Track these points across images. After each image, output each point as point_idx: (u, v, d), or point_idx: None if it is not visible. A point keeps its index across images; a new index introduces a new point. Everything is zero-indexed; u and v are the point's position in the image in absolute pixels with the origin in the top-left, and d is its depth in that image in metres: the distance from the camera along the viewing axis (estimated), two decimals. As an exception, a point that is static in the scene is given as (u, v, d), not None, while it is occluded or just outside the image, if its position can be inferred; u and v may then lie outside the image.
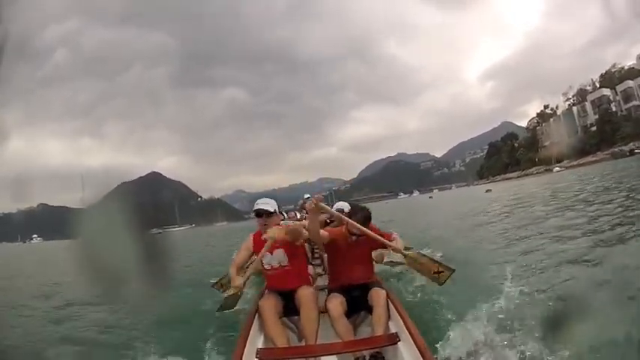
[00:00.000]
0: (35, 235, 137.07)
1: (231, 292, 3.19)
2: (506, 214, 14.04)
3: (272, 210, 3.05)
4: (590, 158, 73.49)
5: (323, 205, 2.98)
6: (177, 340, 4.08)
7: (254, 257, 3.23)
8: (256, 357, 2.48)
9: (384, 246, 3.27)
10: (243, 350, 2.41)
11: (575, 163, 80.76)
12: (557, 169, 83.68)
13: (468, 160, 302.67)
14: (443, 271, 3.22)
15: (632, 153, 57.75)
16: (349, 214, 3.27)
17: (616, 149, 62.90)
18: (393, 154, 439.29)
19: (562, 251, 6.07)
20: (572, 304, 3.64)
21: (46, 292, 8.72)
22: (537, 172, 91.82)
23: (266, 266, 3.12)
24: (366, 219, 3.14)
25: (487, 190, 44.19)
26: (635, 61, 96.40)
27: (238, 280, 3.08)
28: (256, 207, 3.06)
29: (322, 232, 3.12)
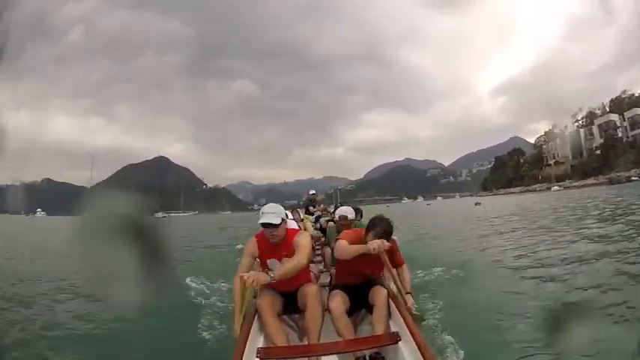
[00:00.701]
0: (39, 210, 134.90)
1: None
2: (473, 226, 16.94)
3: (279, 222, 2.88)
4: (590, 180, 74.57)
5: (383, 252, 2.78)
6: (174, 340, 4.02)
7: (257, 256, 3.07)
8: (257, 356, 2.48)
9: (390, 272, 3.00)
10: (244, 350, 2.40)
11: (575, 184, 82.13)
12: (556, 188, 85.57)
13: (474, 170, 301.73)
14: None
15: (628, 180, 58.76)
16: (369, 226, 2.97)
17: (614, 175, 63.80)
18: (400, 159, 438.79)
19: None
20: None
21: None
22: (539, 190, 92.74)
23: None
24: (386, 233, 2.86)
25: (476, 204, 46.17)
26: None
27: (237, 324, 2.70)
28: (263, 220, 2.89)
29: (347, 246, 2.93)
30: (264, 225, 2.89)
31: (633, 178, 59.65)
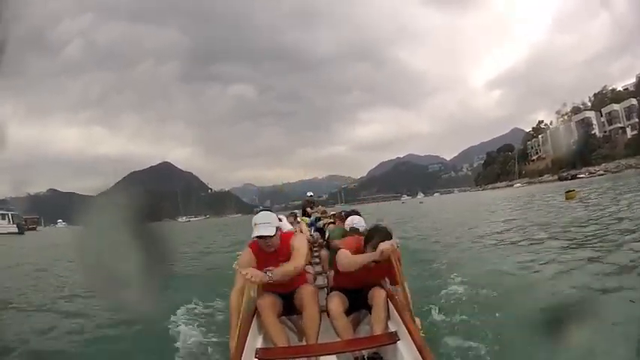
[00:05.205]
0: (60, 220, 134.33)
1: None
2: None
3: (272, 234, 2.83)
4: (547, 178, 79.27)
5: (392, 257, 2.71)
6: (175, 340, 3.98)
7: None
8: (255, 357, 2.46)
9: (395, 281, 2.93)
10: (242, 350, 2.38)
11: (535, 180, 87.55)
12: (519, 185, 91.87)
13: (475, 164, 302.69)
14: None
15: (573, 177, 62.38)
16: (367, 236, 2.94)
17: (564, 173, 68.38)
18: (403, 155, 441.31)
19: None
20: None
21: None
22: (521, 185, 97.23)
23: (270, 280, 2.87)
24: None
25: (420, 202, 54.87)
26: (634, 80, 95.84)
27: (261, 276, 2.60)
28: (257, 233, 2.81)
29: (351, 257, 2.83)
30: (260, 237, 2.85)
31: (580, 176, 63.46)
